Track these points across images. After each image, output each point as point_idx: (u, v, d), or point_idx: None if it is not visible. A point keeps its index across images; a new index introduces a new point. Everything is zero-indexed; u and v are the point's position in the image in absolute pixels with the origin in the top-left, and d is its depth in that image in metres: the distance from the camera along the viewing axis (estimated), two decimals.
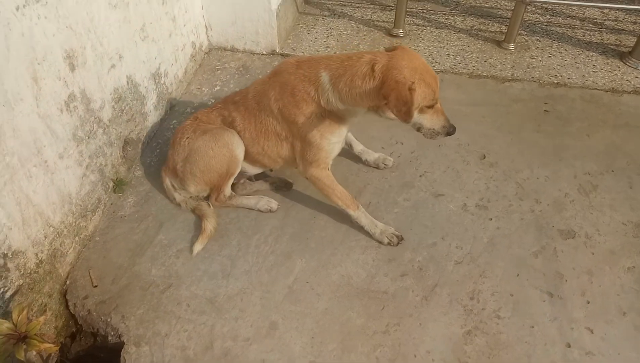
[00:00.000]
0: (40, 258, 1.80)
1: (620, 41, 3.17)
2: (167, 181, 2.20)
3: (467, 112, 2.65)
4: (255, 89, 2.10)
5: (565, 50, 3.09)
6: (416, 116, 1.85)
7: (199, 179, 2.12)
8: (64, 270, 1.95)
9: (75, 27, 1.83)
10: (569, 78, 2.87)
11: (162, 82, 2.54)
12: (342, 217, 2.16)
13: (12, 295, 1.69)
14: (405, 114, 1.75)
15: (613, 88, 2.80)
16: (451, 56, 3.04)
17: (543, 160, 2.40)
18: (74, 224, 1.97)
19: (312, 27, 3.30)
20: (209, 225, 2.09)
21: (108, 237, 2.10)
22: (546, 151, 2.45)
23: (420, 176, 2.36)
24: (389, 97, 1.74)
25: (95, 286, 1.95)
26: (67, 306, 1.93)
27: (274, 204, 2.21)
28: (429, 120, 1.90)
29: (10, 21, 1.52)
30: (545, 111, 2.67)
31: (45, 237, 1.82)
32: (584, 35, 3.23)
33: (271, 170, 2.36)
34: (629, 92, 2.78)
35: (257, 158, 2.17)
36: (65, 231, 1.92)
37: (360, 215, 2.08)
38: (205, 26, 3.00)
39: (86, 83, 1.93)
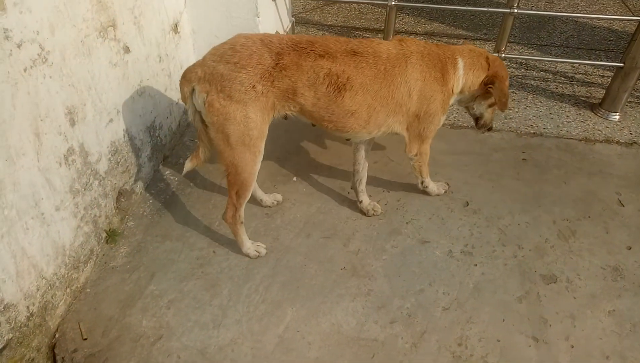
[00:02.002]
0: (31, 311, 1.80)
1: (591, 93, 3.38)
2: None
3: (450, 161, 2.77)
4: (388, 52, 2.04)
5: (540, 102, 3.28)
6: (484, 108, 2.34)
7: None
8: (54, 323, 1.94)
9: (77, 84, 1.93)
10: (544, 128, 3.03)
11: (156, 134, 2.62)
12: (333, 265, 2.22)
13: (1, 350, 1.68)
14: (504, 104, 2.20)
15: (586, 137, 2.96)
16: None
17: (523, 206, 2.51)
18: (66, 275, 1.99)
19: None
20: (201, 148, 2.13)
21: (99, 288, 2.12)
22: (526, 197, 2.56)
23: (407, 223, 2.43)
24: (494, 83, 2.16)
25: (85, 339, 1.94)
26: (54, 361, 1.92)
27: (262, 250, 2.25)
28: (490, 114, 2.38)
29: (18, 81, 1.61)
30: (523, 159, 2.80)
31: (38, 289, 1.83)
32: (557, 88, 3.43)
33: (348, 139, 2.29)
34: (601, 141, 2.94)
35: (348, 120, 2.05)
36: (58, 283, 1.94)
37: (430, 180, 2.48)
38: None
39: (85, 137, 2.01)
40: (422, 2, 4.52)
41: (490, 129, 2.47)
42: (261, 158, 2.06)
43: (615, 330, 1.98)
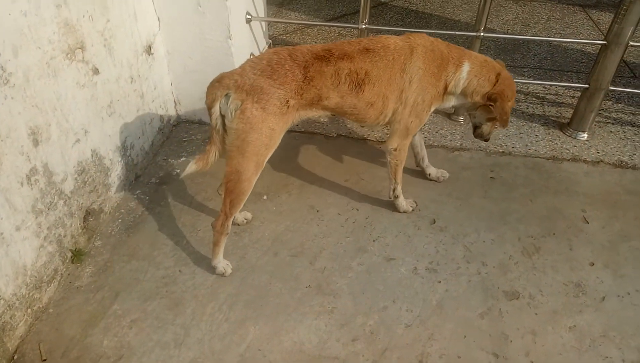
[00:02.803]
0: None
1: (560, 113, 3.45)
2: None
3: (419, 180, 2.80)
4: (395, 44, 2.21)
5: (510, 121, 3.34)
6: (484, 120, 2.46)
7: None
8: (13, 345, 1.93)
9: (42, 105, 1.96)
10: (513, 147, 3.08)
11: (127, 154, 2.65)
12: (298, 283, 2.23)
13: None
14: (505, 121, 2.34)
15: (554, 156, 3.02)
16: None
17: (489, 224, 2.54)
18: (27, 296, 1.98)
19: None
20: (213, 151, 2.12)
21: (62, 308, 2.11)
22: (492, 215, 2.59)
23: (374, 240, 2.45)
24: (496, 102, 2.28)
25: (44, 360, 1.93)
26: None
27: (229, 270, 2.26)
28: (488, 127, 2.50)
29: None
30: (491, 178, 2.85)
31: None
32: (527, 108, 3.50)
33: (362, 126, 2.47)
34: (568, 160, 2.99)
35: (368, 111, 2.22)
36: (17, 304, 1.93)
37: (401, 191, 2.53)
38: (174, 101, 3.17)
39: (49, 157, 2.03)
40: (391, 26, 4.66)
41: (486, 140, 2.59)
42: (260, 172, 2.14)
43: (575, 345, 1.99)
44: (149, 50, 2.75)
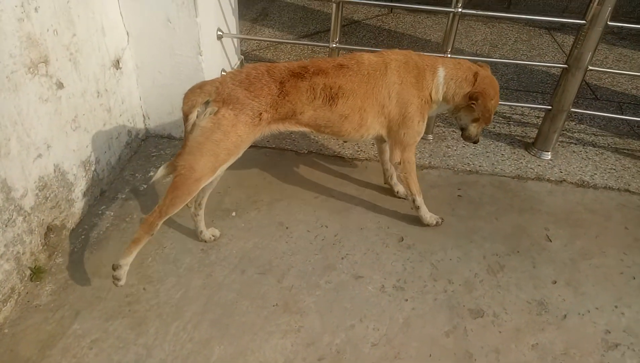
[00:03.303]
0: None
1: (526, 133, 3.55)
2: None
3: (387, 198, 2.83)
4: (369, 60, 2.29)
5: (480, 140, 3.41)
6: (469, 121, 2.48)
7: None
8: None
9: (1, 120, 1.91)
10: (480, 166, 3.15)
11: (92, 169, 2.60)
12: (265, 301, 2.21)
13: None
14: (487, 119, 2.40)
15: (519, 175, 3.10)
16: (375, 146, 3.29)
17: (456, 242, 2.58)
18: None
19: None
20: None
21: (18, 328, 2.03)
22: (459, 233, 2.63)
23: (342, 258, 2.46)
24: (477, 100, 2.31)
25: None
26: None
27: (124, 279, 2.12)
28: (474, 128, 2.51)
29: None
30: (458, 196, 2.90)
31: None
32: (494, 128, 3.59)
33: (345, 141, 2.59)
34: (532, 179, 3.08)
35: (343, 124, 2.28)
36: None
37: (422, 201, 2.56)
38: (143, 115, 3.14)
39: (8, 172, 1.97)
40: (363, 45, 4.76)
41: (475, 142, 2.62)
42: (208, 181, 2.13)
43: None
44: (117, 64, 2.72)
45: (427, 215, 2.61)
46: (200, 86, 2.09)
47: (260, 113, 2.09)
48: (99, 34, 2.50)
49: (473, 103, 2.34)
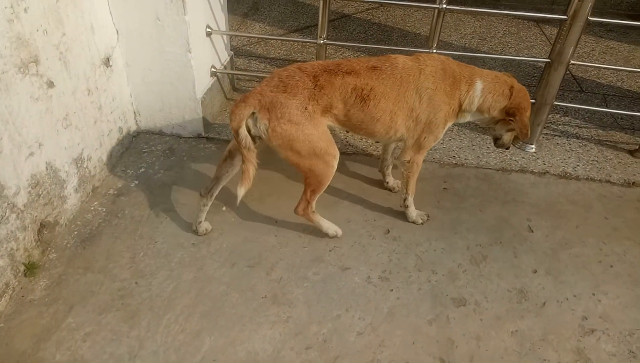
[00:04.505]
0: None
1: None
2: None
3: (374, 191, 2.90)
4: (404, 63, 2.32)
5: (464, 134, 3.48)
6: (504, 132, 2.56)
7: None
8: None
9: None
10: (465, 159, 3.22)
11: (84, 166, 2.64)
12: (254, 293, 2.28)
13: None
14: (525, 135, 2.44)
15: (503, 167, 3.17)
16: (363, 140, 3.35)
17: (441, 233, 2.65)
18: None
19: None
20: (251, 169, 2.20)
21: (13, 323, 2.09)
22: (444, 225, 2.71)
23: (330, 250, 2.52)
24: (515, 116, 2.39)
25: None
26: None
27: (339, 230, 2.53)
28: (508, 137, 2.59)
29: None
30: (444, 188, 2.97)
31: None
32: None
33: (377, 141, 2.68)
34: (516, 171, 3.15)
35: (375, 125, 2.33)
36: None
37: (412, 202, 2.64)
38: (134, 112, 3.17)
39: (0, 171, 2.02)
40: (353, 40, 4.79)
41: (507, 148, 2.71)
42: (336, 160, 2.30)
43: (516, 349, 2.11)
44: (107, 62, 2.75)
45: (414, 214, 2.68)
46: (244, 100, 2.16)
47: (305, 107, 2.17)
48: (88, 32, 2.54)
49: (511, 119, 2.41)
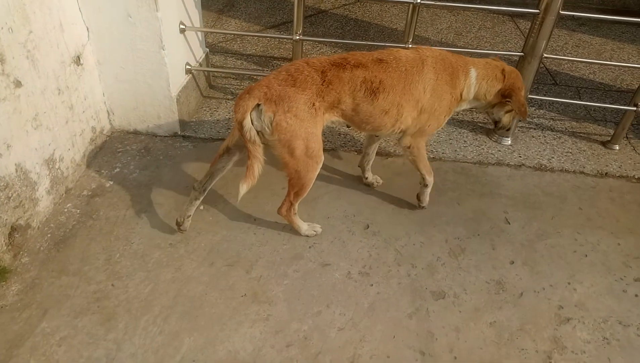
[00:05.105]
0: None
1: (487, 119, 3.66)
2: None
3: (353, 186, 2.90)
4: (406, 56, 2.34)
5: (441, 128, 3.50)
6: (502, 114, 2.61)
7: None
8: None
9: None
10: (443, 153, 3.24)
11: (56, 167, 2.58)
12: (234, 292, 2.26)
13: None
14: (524, 113, 2.48)
15: (480, 161, 3.20)
16: (342, 135, 3.34)
17: (420, 227, 2.67)
18: None
19: (215, 110, 3.52)
20: (257, 165, 2.17)
21: None
22: (422, 219, 2.72)
23: (310, 247, 2.52)
24: (512, 97, 2.45)
25: None
26: None
27: (318, 229, 2.56)
28: (507, 118, 2.65)
29: None
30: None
31: None
32: (457, 115, 3.68)
33: (377, 136, 2.68)
34: (493, 164, 3.19)
35: (383, 118, 2.33)
36: None
37: (432, 182, 2.66)
38: (107, 111, 3.11)
39: None
40: (330, 35, 4.78)
41: (508, 130, 2.77)
42: (320, 165, 2.30)
43: (494, 339, 2.13)
44: (77, 60, 2.69)
45: (428, 197, 2.72)
46: (249, 91, 2.13)
47: (313, 103, 2.16)
48: (57, 30, 2.47)
49: (508, 101, 2.48)
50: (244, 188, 2.17)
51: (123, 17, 2.68)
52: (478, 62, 2.50)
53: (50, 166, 2.53)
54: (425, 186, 2.68)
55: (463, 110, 2.67)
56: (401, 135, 2.49)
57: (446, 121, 2.54)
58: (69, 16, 2.57)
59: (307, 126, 2.16)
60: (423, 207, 2.75)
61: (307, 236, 2.54)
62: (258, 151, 2.16)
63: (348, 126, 2.51)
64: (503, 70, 2.48)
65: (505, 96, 2.47)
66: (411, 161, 2.59)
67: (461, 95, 2.46)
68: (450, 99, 2.42)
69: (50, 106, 2.48)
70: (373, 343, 2.09)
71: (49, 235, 2.46)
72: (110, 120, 3.15)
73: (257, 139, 2.13)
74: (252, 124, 2.11)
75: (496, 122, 2.72)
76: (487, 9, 5.61)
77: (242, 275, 2.35)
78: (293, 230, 2.59)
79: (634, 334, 2.19)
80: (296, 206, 2.41)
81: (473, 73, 2.44)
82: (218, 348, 2.04)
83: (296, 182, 2.29)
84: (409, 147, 2.51)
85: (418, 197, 2.74)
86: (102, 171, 2.90)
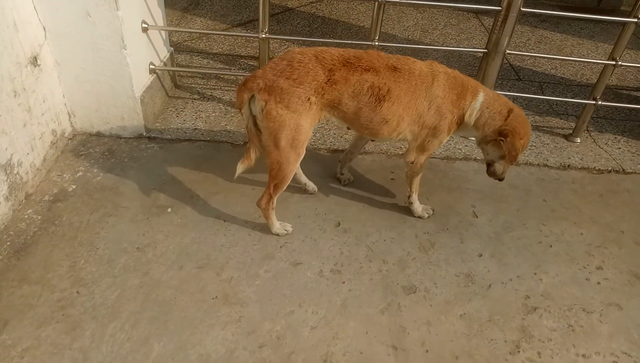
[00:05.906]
0: None
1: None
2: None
3: (324, 184, 2.90)
4: (420, 70, 2.30)
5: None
6: (497, 157, 2.49)
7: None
8: None
9: None
10: None
11: (15, 172, 2.48)
12: (205, 295, 2.22)
13: None
14: (513, 158, 2.39)
15: (448, 156, 3.25)
16: (315, 134, 3.33)
17: (390, 223, 2.69)
18: None
19: (181, 110, 3.45)
20: (253, 149, 2.33)
21: None
22: (392, 215, 2.74)
23: (281, 246, 2.50)
24: (507, 138, 2.32)
25: None
26: None
27: (289, 228, 2.56)
28: (501, 165, 2.51)
29: None
30: (392, 179, 3.01)
31: None
32: None
33: (373, 140, 2.74)
34: (460, 159, 3.24)
35: (382, 126, 2.32)
36: None
37: (416, 199, 2.68)
38: (68, 113, 3.01)
39: None
40: (297, 34, 4.77)
41: (501, 179, 2.58)
42: (302, 157, 2.33)
43: (465, 331, 2.17)
44: (34, 61, 2.59)
45: (420, 209, 2.71)
46: (244, 83, 2.18)
47: (308, 98, 2.16)
48: (10, 29, 2.37)
49: (502, 139, 2.33)
50: (240, 168, 2.35)
51: (82, 15, 2.59)
52: (489, 91, 2.43)
53: (8, 171, 2.43)
54: (411, 203, 2.70)
55: (460, 136, 2.61)
56: (406, 150, 2.52)
57: (446, 140, 2.50)
58: (24, 15, 2.47)
59: (298, 118, 2.17)
60: (424, 217, 2.73)
61: (278, 235, 2.53)
62: (254, 138, 2.28)
63: (348, 128, 2.50)
64: (510, 110, 2.37)
65: (501, 135, 2.34)
66: (408, 176, 2.60)
67: (463, 117, 2.39)
68: (452, 120, 2.36)
69: (5, 109, 2.38)
70: (346, 340, 2.10)
71: (8, 243, 2.37)
72: (71, 122, 3.05)
73: (253, 126, 2.25)
74: (250, 110, 2.21)
75: (488, 165, 2.57)
76: (452, 6, 5.70)
77: (213, 277, 2.31)
78: (264, 230, 2.57)
79: (597, 320, 2.27)
80: (275, 200, 2.41)
81: (481, 97, 2.36)
82: (189, 352, 2.00)
83: (276, 173, 2.30)
84: (412, 162, 2.51)
85: (413, 214, 2.72)
86: (64, 175, 2.81)
